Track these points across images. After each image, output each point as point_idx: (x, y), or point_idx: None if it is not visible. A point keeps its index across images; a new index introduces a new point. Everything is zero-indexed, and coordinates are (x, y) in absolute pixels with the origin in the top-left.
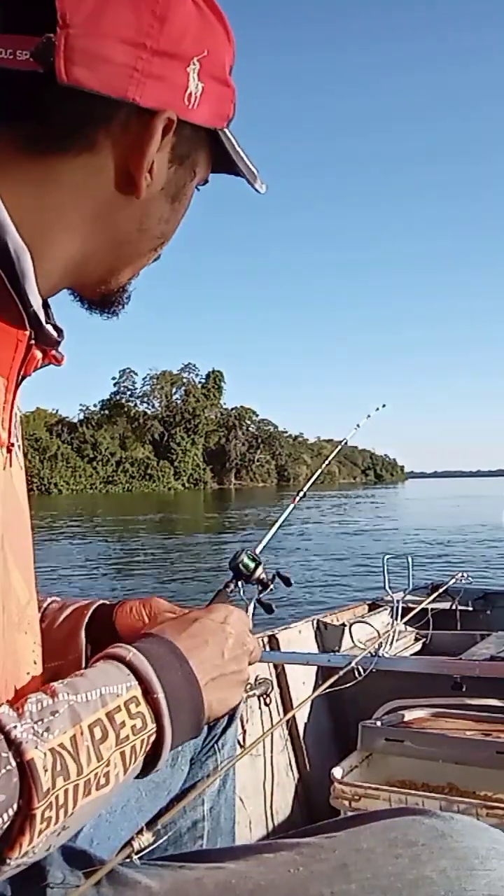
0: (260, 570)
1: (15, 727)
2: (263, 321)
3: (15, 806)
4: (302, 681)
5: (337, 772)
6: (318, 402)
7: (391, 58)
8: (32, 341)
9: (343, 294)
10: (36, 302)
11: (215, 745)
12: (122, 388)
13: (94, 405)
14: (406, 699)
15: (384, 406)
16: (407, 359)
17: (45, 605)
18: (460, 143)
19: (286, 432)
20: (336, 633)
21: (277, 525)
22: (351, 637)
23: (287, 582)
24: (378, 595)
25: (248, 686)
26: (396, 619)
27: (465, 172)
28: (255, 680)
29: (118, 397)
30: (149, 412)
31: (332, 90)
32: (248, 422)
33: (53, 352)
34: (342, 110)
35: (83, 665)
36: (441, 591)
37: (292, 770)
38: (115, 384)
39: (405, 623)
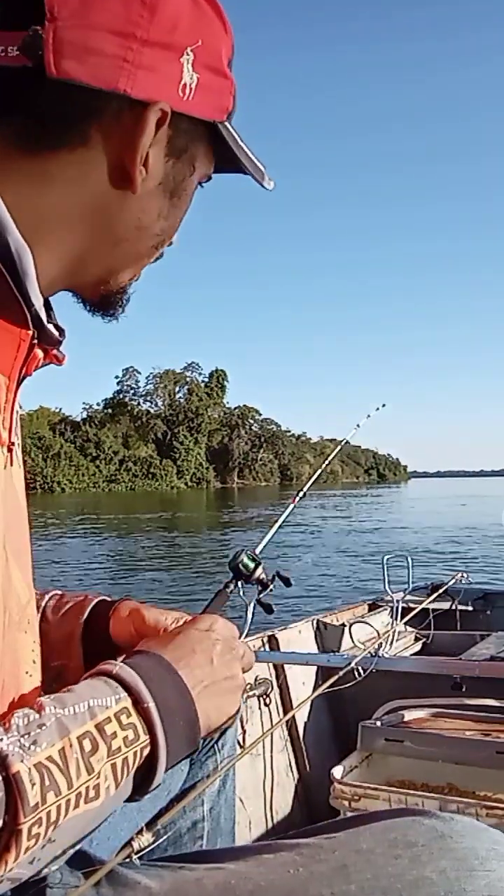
0: (260, 570)
1: (1, 740)
2: (267, 320)
3: (0, 821)
4: (302, 681)
5: (337, 772)
6: (321, 402)
7: (391, 58)
8: (35, 341)
9: (347, 294)
10: (38, 301)
11: (215, 746)
12: (125, 387)
13: (98, 404)
14: (406, 699)
15: (384, 406)
16: (411, 358)
17: (44, 600)
18: (460, 143)
19: (289, 431)
20: (336, 633)
21: (277, 525)
22: (351, 637)
23: (287, 582)
24: (378, 595)
25: (248, 686)
26: (396, 619)
27: (465, 173)
28: (255, 680)
29: (121, 396)
30: (152, 411)
31: (332, 91)
32: (252, 421)
33: (55, 351)
34: (342, 111)
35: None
36: (441, 591)
37: (292, 770)
38: (118, 383)
39: (405, 623)
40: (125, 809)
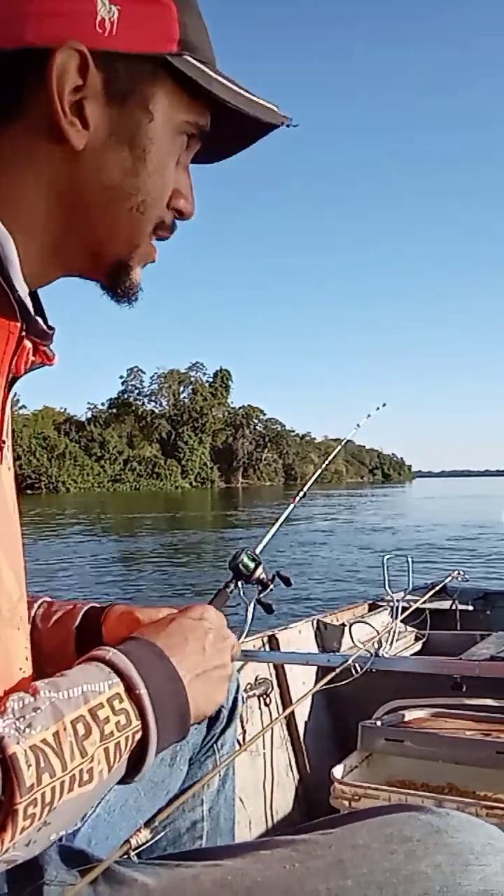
0: (260, 570)
1: None
2: (271, 320)
3: None
4: (302, 681)
5: (337, 772)
6: (325, 402)
7: (393, 62)
8: (23, 333)
9: (350, 294)
10: (22, 289)
11: (214, 745)
12: (129, 387)
13: (102, 404)
14: (406, 699)
15: (384, 405)
16: (416, 358)
17: (33, 609)
18: (461, 146)
19: (293, 431)
20: (336, 632)
21: (278, 525)
22: (351, 637)
23: (287, 582)
24: (378, 595)
25: (248, 686)
26: (396, 618)
27: (466, 175)
28: (255, 680)
29: (126, 396)
30: (156, 411)
31: (333, 92)
32: (256, 421)
33: (44, 348)
34: (343, 113)
35: None
36: (438, 588)
37: (292, 770)
38: (122, 383)
39: (405, 623)
40: (125, 809)
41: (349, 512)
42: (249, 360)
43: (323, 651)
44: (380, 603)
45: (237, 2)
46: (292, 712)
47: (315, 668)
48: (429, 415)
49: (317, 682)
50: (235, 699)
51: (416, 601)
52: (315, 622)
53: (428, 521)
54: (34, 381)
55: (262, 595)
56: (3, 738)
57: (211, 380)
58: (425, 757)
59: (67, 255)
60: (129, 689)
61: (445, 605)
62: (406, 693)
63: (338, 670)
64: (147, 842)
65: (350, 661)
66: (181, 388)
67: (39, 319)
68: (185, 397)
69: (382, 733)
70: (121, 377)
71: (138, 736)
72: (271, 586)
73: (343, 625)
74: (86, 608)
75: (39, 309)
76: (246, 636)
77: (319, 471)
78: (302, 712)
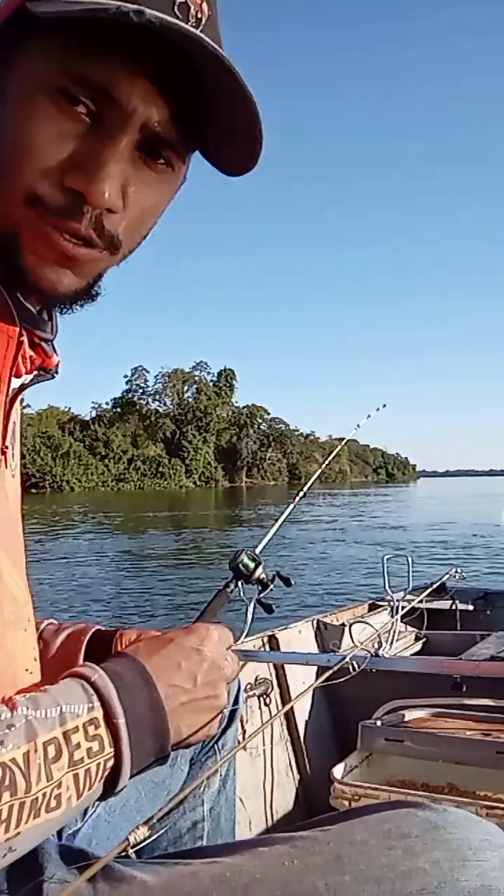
0: (260, 570)
1: None
2: (275, 320)
3: None
4: (302, 681)
5: (337, 772)
6: (329, 401)
7: (392, 64)
8: (22, 338)
9: (354, 293)
10: None
11: (215, 746)
12: (134, 386)
13: (107, 403)
14: (406, 699)
15: (384, 406)
16: (420, 358)
17: (40, 628)
18: (461, 146)
19: (297, 431)
20: (336, 632)
21: (278, 525)
22: (351, 637)
23: (287, 582)
24: (378, 595)
25: (248, 686)
26: (396, 618)
27: (466, 175)
28: (255, 680)
29: (130, 395)
30: (160, 410)
31: (333, 94)
32: (260, 420)
33: (42, 344)
34: (344, 114)
35: None
36: (437, 586)
37: (292, 770)
38: (127, 382)
39: (405, 623)
40: (125, 809)
41: (352, 511)
42: (254, 360)
43: (323, 651)
44: (380, 603)
45: (235, 3)
46: (292, 712)
47: (315, 667)
48: (433, 414)
49: (317, 681)
50: (237, 699)
51: (416, 601)
52: (315, 622)
53: (430, 521)
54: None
55: (262, 595)
56: None
57: (215, 379)
58: (425, 757)
59: None
60: (108, 716)
61: (445, 604)
62: (406, 693)
63: (335, 668)
64: (146, 839)
65: (350, 661)
66: (185, 388)
67: (45, 320)
68: (189, 397)
69: (382, 733)
70: (125, 376)
71: (110, 763)
72: (271, 586)
73: (343, 625)
74: (93, 629)
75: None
76: (246, 636)
77: (319, 471)
78: (302, 712)
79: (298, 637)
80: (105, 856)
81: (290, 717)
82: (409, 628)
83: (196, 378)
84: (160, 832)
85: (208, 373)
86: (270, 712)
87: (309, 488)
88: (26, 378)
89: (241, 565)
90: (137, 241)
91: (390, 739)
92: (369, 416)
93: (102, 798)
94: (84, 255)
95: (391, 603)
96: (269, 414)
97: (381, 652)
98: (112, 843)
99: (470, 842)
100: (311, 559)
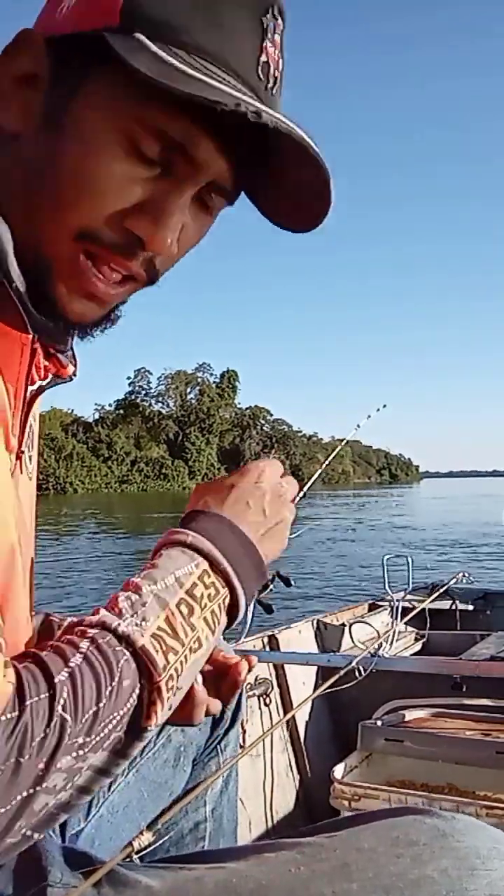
0: None
1: (119, 625)
2: (279, 320)
3: (139, 685)
4: (302, 681)
5: (337, 772)
6: (332, 402)
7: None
8: (36, 345)
9: (356, 293)
10: (19, 280)
11: (217, 747)
12: (136, 388)
13: (110, 405)
14: (406, 699)
15: (385, 406)
16: (423, 358)
17: (40, 620)
18: (462, 146)
19: (300, 432)
20: (336, 633)
21: None
22: (351, 637)
23: (287, 582)
24: (378, 595)
25: (248, 686)
26: (396, 619)
27: (467, 175)
28: (255, 680)
29: (133, 397)
30: (163, 412)
31: (333, 92)
32: (263, 421)
33: (58, 355)
34: (342, 113)
35: None
36: (441, 591)
37: (292, 770)
38: (129, 384)
39: (405, 623)
40: (128, 810)
41: (354, 512)
42: (257, 361)
43: (323, 651)
44: (380, 603)
45: None
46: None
47: (315, 668)
48: (436, 415)
49: (317, 681)
50: (238, 701)
51: (416, 601)
52: (315, 622)
53: (432, 522)
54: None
55: (261, 595)
56: (130, 635)
57: (218, 381)
58: (425, 757)
59: (24, 252)
60: (214, 564)
61: (445, 605)
62: (406, 693)
63: (341, 672)
64: (150, 845)
65: (353, 664)
66: (188, 389)
67: (48, 323)
68: (192, 398)
69: (382, 733)
70: (128, 378)
71: (228, 600)
72: (271, 586)
73: (343, 625)
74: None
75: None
76: (246, 636)
77: (319, 471)
78: (302, 712)
79: (298, 637)
80: (109, 861)
81: (290, 718)
82: (409, 628)
83: (199, 379)
84: (164, 838)
85: (211, 374)
86: (270, 712)
87: (309, 489)
88: (42, 382)
89: None
90: (168, 270)
91: (390, 739)
92: (369, 416)
93: (230, 623)
94: (119, 295)
95: (391, 603)
96: (271, 415)
97: (381, 652)
98: (115, 843)
99: (478, 850)
100: (312, 560)
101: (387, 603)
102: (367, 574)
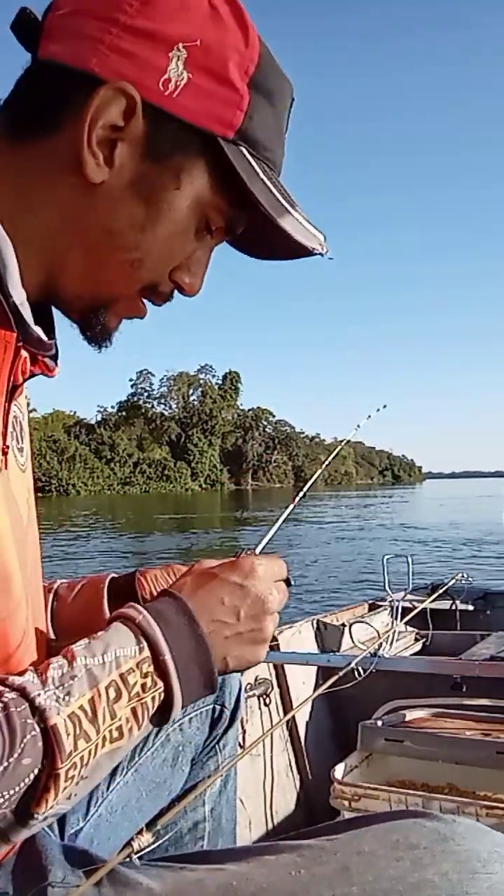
0: None
1: (39, 695)
2: (280, 322)
3: (40, 766)
4: (302, 681)
5: (337, 772)
6: (335, 403)
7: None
8: (20, 343)
9: (356, 289)
10: (18, 296)
11: (216, 746)
12: (139, 390)
13: (112, 407)
14: (406, 699)
15: (385, 407)
16: (426, 358)
17: (54, 586)
18: (465, 132)
19: (303, 433)
20: (336, 633)
21: (277, 525)
22: (351, 637)
23: (287, 582)
24: (378, 595)
25: (248, 686)
26: (396, 619)
27: (470, 162)
28: (255, 680)
29: (135, 399)
30: (166, 413)
31: (332, 80)
32: (265, 423)
33: (44, 359)
34: (344, 100)
35: None
36: (441, 591)
37: (292, 770)
38: (132, 385)
39: (405, 623)
40: (126, 809)
41: (356, 513)
42: (265, 362)
43: (323, 651)
44: (380, 603)
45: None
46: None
47: (315, 668)
48: (439, 416)
49: (317, 681)
50: (237, 700)
51: (416, 601)
52: (315, 622)
53: (433, 522)
54: (44, 385)
55: None
56: (46, 711)
57: (220, 382)
58: (425, 757)
59: (57, 282)
60: (155, 654)
61: (445, 605)
62: (406, 693)
63: (341, 673)
64: (150, 845)
65: (353, 664)
66: (190, 391)
67: (39, 329)
68: (194, 400)
69: (382, 733)
70: (130, 380)
71: (163, 696)
72: None
73: (343, 625)
74: (109, 578)
75: (47, 319)
76: None
77: (319, 472)
78: (302, 712)
79: (298, 637)
80: (111, 860)
81: (289, 718)
82: (409, 628)
83: (201, 381)
84: (164, 838)
85: (213, 376)
86: (270, 712)
87: (309, 489)
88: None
89: None
90: None
91: (390, 739)
92: (369, 416)
93: (157, 726)
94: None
95: (391, 603)
96: (274, 416)
97: (381, 652)
98: (114, 842)
99: (479, 854)
100: (313, 560)
101: (387, 603)
102: (367, 574)
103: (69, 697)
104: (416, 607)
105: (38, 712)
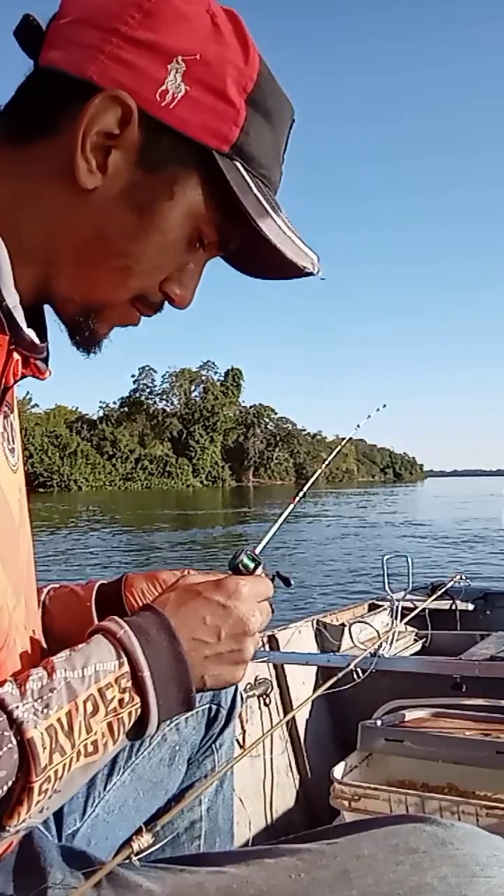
0: (259, 570)
1: (17, 707)
2: (282, 318)
3: (14, 779)
4: (302, 681)
5: (337, 772)
6: (337, 400)
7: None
8: (12, 346)
9: (357, 287)
10: (11, 299)
11: (213, 745)
12: (141, 386)
13: (114, 402)
14: (406, 699)
15: (384, 406)
16: (428, 357)
17: (42, 593)
18: (463, 133)
19: (304, 430)
20: (336, 633)
21: (277, 525)
22: (351, 637)
23: (287, 582)
24: (378, 595)
25: (248, 686)
26: (396, 619)
27: (468, 162)
28: (255, 680)
29: (137, 395)
30: (168, 410)
31: (327, 80)
32: (267, 420)
33: (36, 362)
34: (343, 101)
35: None
36: (441, 591)
37: (292, 770)
38: (134, 382)
39: (405, 623)
40: (124, 809)
41: (357, 511)
42: (261, 360)
43: (323, 651)
44: (380, 603)
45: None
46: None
47: (315, 668)
48: (441, 414)
49: (317, 681)
50: (234, 699)
51: (416, 601)
52: (315, 622)
53: (434, 521)
54: (47, 381)
55: None
56: (24, 723)
57: (222, 379)
58: (425, 757)
59: (50, 285)
60: (135, 670)
61: (445, 605)
62: (406, 693)
63: (341, 673)
64: (149, 846)
65: (352, 664)
66: (192, 387)
67: (32, 332)
68: (196, 396)
69: (382, 733)
70: (132, 376)
71: (139, 712)
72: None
73: (343, 625)
74: (97, 586)
75: (39, 322)
76: None
77: (319, 471)
78: (302, 713)
79: (298, 637)
80: (110, 862)
81: (290, 718)
82: (409, 628)
83: (203, 377)
84: (164, 840)
85: (215, 372)
86: (270, 712)
87: (310, 488)
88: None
89: (240, 565)
90: None
91: (390, 739)
92: (369, 416)
93: (136, 738)
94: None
95: (391, 603)
96: (275, 413)
97: (381, 652)
98: (111, 843)
99: (478, 858)
100: (314, 559)
101: (387, 603)
102: (367, 573)
103: (47, 710)
104: (415, 607)
105: (16, 725)
